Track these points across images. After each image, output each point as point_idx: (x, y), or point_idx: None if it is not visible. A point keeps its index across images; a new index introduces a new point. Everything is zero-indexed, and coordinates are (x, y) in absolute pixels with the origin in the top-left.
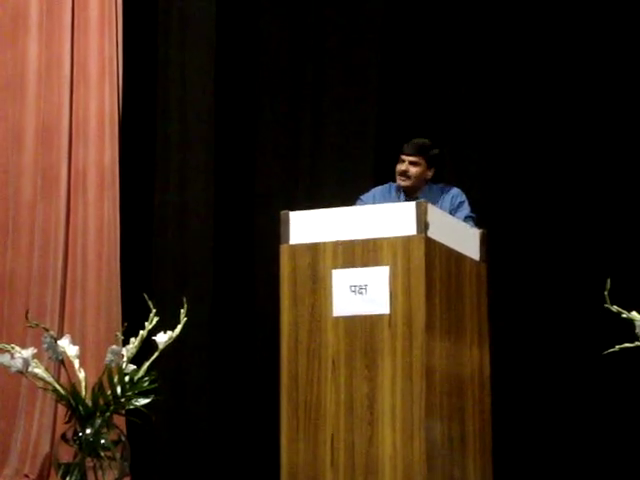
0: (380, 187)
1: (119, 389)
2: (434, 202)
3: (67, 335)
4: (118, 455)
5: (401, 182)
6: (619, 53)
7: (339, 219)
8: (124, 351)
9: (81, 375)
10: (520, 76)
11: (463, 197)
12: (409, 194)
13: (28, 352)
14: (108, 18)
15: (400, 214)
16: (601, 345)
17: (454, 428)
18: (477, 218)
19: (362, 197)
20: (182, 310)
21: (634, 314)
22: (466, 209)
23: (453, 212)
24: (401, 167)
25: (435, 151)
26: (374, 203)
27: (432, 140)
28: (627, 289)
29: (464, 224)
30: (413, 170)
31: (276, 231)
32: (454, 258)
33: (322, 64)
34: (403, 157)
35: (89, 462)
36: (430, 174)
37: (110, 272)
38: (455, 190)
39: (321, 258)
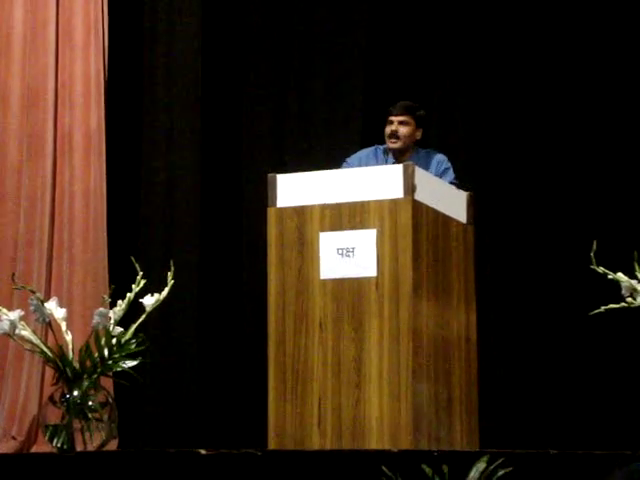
0: (366, 150)
1: (106, 351)
2: (421, 166)
3: (54, 297)
4: (106, 417)
5: (391, 144)
6: (600, 27)
7: (326, 182)
8: (111, 313)
9: (68, 337)
10: (506, 37)
11: (448, 164)
12: (398, 157)
13: (15, 314)
14: None
15: (387, 177)
16: (587, 306)
17: (441, 390)
18: (462, 182)
19: (348, 160)
20: (169, 273)
21: (620, 275)
22: (450, 175)
23: (438, 177)
24: (391, 127)
25: (422, 112)
26: (360, 166)
27: (419, 102)
28: (613, 250)
29: (451, 187)
30: (403, 130)
31: (263, 194)
32: (441, 221)
33: (310, 26)
34: (392, 118)
35: (76, 424)
36: (419, 135)
37: (97, 235)
38: (441, 156)
39: (308, 221)
